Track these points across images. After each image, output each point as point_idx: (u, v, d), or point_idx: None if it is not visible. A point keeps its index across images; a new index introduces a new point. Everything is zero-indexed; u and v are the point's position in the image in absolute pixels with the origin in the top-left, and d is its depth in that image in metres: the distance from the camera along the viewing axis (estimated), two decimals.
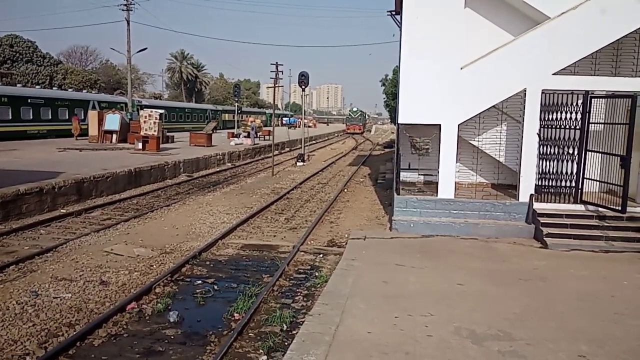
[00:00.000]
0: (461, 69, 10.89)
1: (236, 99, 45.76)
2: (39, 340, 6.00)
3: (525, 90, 10.86)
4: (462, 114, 11.11)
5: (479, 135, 12.82)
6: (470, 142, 12.86)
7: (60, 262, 8.84)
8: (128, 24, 37.48)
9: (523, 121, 11.06)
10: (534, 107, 10.84)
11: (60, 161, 18.65)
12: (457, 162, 11.56)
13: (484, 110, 11.46)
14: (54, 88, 44.32)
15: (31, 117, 32.19)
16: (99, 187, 15.33)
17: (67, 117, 35.44)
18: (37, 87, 41.61)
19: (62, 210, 13.13)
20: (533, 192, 10.98)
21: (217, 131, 45.42)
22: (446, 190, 11.22)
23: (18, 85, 40.43)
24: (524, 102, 10.98)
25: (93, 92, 47.69)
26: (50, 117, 33.94)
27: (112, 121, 29.65)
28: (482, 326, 6.03)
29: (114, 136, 29.31)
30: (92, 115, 30.98)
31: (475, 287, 7.55)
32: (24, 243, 10.14)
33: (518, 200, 11.11)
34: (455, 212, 11.10)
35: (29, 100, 32.12)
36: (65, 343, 5.83)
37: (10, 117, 30.44)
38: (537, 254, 9.58)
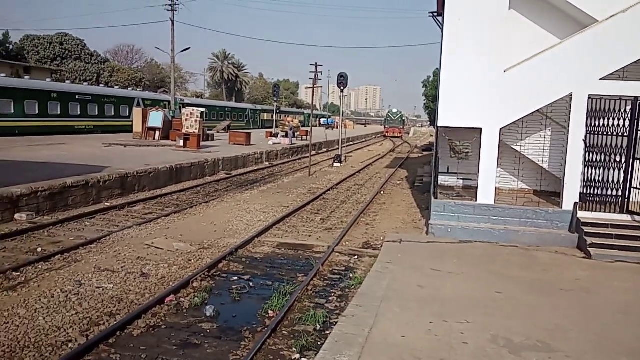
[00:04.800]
0: (504, 71, 10.67)
1: (275, 99, 46.19)
2: (81, 329, 6.22)
3: (571, 95, 10.54)
4: (504, 117, 10.88)
5: (521, 140, 12.51)
6: (512, 146, 12.57)
7: (103, 254, 9.15)
8: (172, 24, 38.38)
9: (568, 127, 10.74)
10: (579, 112, 10.50)
11: (106, 156, 19.28)
12: (498, 167, 11.32)
13: (528, 115, 11.18)
14: (100, 85, 45.85)
15: (79, 113, 33.44)
16: (142, 182, 15.78)
17: (112, 114, 36.64)
18: (85, 84, 43.15)
19: (106, 204, 13.59)
20: (577, 201, 10.63)
21: (255, 130, 46.00)
22: (486, 196, 11.00)
23: (67, 81, 42.04)
24: (570, 107, 10.66)
25: (138, 89, 49.10)
26: (96, 113, 35.15)
27: (156, 118, 30.42)
28: (520, 336, 5.89)
29: (157, 133, 30.06)
30: (137, 112, 31.92)
31: (514, 296, 7.37)
32: (69, 234, 10.54)
33: (561, 208, 10.78)
34: (495, 218, 10.87)
35: (77, 97, 33.37)
36: (106, 332, 6.03)
37: (59, 112, 31.72)
38: (579, 264, 9.27)
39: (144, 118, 30.56)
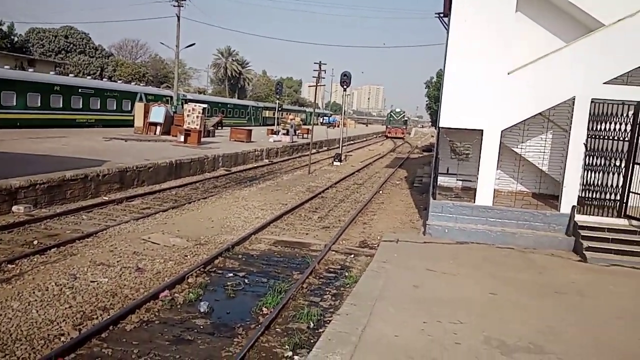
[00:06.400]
0: (508, 74, 10.64)
1: (277, 97, 46.18)
2: (74, 322, 6.20)
3: (574, 99, 10.52)
4: (506, 120, 10.86)
5: (522, 142, 12.47)
6: (513, 149, 12.53)
7: (100, 248, 9.14)
8: (178, 19, 38.29)
9: (570, 130, 10.72)
10: (582, 116, 10.49)
11: (106, 150, 19.26)
12: (497, 169, 11.29)
13: (530, 117, 11.16)
14: (104, 79, 45.85)
15: (81, 106, 33.43)
16: (141, 176, 15.77)
17: (114, 108, 36.63)
18: (89, 77, 43.12)
19: (104, 198, 13.58)
20: (575, 204, 10.61)
21: (256, 127, 45.83)
22: (484, 197, 10.99)
23: (70, 75, 42.02)
24: (572, 111, 10.64)
25: (141, 84, 49.03)
26: (98, 107, 35.13)
27: (157, 114, 30.39)
28: (513, 337, 5.88)
29: (158, 128, 30.02)
30: (139, 107, 31.90)
31: (509, 297, 7.36)
32: (66, 227, 10.52)
33: (559, 211, 10.76)
34: (492, 220, 10.85)
35: (79, 90, 33.35)
36: (99, 326, 6.02)
37: (61, 106, 31.72)
38: (575, 267, 9.26)
39: (146, 113, 30.52)
